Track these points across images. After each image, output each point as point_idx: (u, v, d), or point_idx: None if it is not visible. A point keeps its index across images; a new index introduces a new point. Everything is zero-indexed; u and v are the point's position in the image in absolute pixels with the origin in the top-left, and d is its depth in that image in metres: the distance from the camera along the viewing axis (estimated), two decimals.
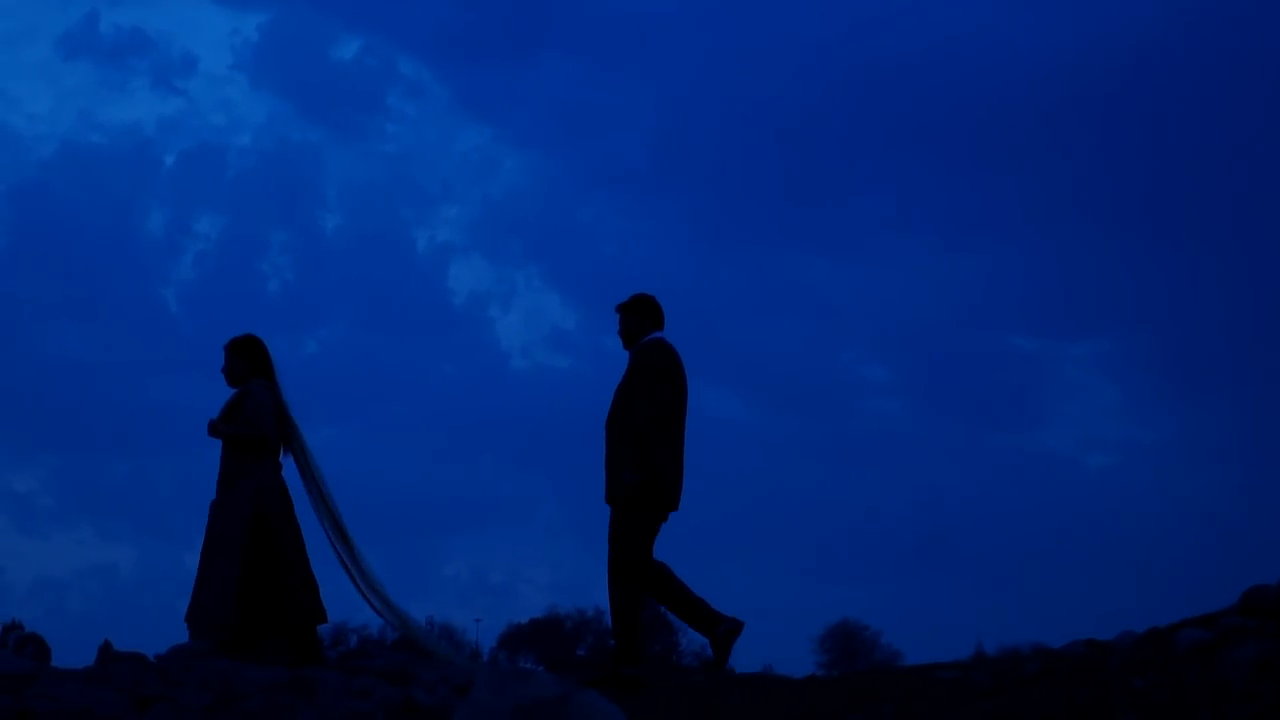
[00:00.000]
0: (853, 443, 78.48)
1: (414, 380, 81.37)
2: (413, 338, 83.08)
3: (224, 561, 6.41)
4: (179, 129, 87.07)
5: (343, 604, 6.89)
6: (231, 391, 6.84)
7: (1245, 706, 3.25)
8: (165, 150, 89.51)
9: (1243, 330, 78.74)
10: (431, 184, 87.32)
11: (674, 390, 6.42)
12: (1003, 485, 77.19)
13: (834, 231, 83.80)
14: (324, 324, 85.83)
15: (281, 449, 6.81)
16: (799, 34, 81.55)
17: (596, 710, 3.14)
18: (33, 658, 6.29)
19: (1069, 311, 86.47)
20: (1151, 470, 77.89)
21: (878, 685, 4.69)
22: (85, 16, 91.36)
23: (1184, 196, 79.39)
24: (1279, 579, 4.24)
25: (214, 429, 6.69)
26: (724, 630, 6.20)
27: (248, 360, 6.85)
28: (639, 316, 6.62)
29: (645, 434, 6.26)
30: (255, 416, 6.63)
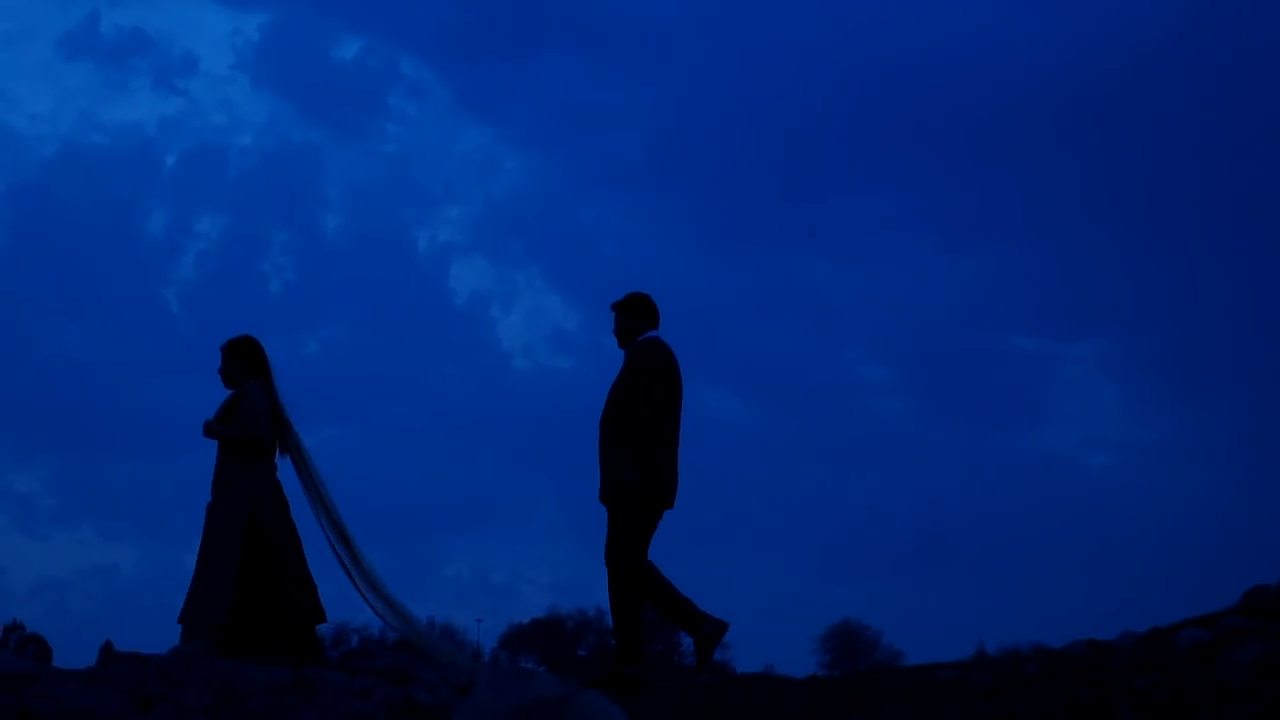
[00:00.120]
0: (853, 443, 78.55)
1: (415, 381, 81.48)
2: (414, 338, 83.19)
3: (221, 562, 6.41)
4: (180, 129, 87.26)
5: (344, 604, 6.90)
6: (228, 392, 6.84)
7: (1246, 706, 3.25)
8: (166, 150, 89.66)
9: (1244, 330, 78.81)
10: (433, 184, 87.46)
11: (669, 389, 6.42)
12: (1003, 485, 77.27)
13: (834, 231, 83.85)
14: (325, 324, 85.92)
15: (278, 450, 6.82)
16: (799, 34, 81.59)
17: (598, 710, 3.15)
18: (34, 658, 6.30)
19: (1070, 311, 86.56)
20: (1152, 470, 77.91)
21: (879, 685, 4.69)
22: (86, 17, 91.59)
23: (1185, 196, 79.39)
24: (1279, 579, 4.24)
25: (209, 429, 6.69)
26: (709, 630, 6.19)
27: (244, 361, 6.85)
28: (634, 315, 6.62)
29: (643, 433, 6.26)
30: (251, 418, 6.63)
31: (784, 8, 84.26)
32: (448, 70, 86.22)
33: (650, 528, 6.33)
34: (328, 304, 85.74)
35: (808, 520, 77.32)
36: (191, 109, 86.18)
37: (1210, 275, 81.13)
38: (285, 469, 6.82)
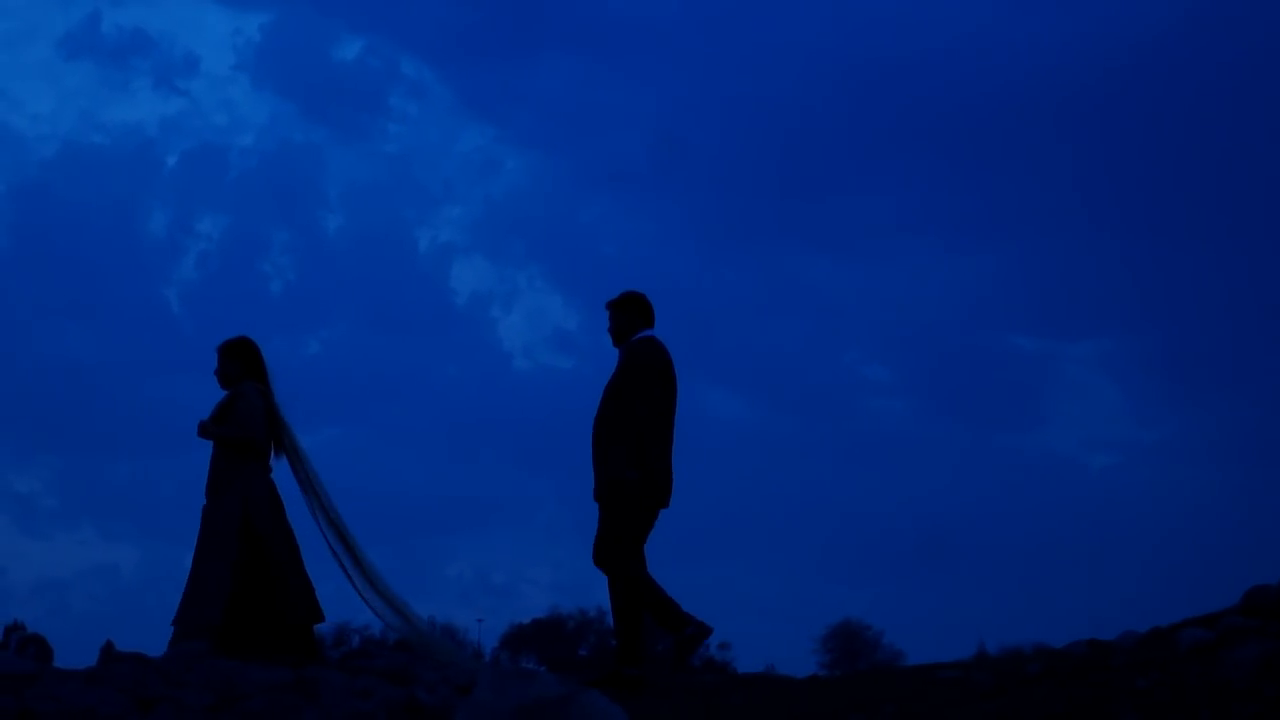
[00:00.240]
0: (855, 443, 78.60)
1: (416, 380, 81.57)
2: (415, 338, 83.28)
3: (216, 564, 6.41)
4: (181, 129, 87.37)
5: (345, 605, 6.89)
6: (224, 393, 6.84)
7: (1247, 706, 3.25)
8: (167, 150, 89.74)
9: (1245, 330, 78.84)
10: (433, 184, 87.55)
11: (665, 388, 6.41)
12: (1004, 485, 77.29)
13: (835, 231, 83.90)
14: (326, 324, 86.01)
15: (273, 452, 6.81)
16: (800, 34, 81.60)
17: (599, 710, 3.15)
18: (35, 658, 6.30)
19: (1071, 311, 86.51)
20: (1153, 470, 77.93)
21: (880, 685, 4.69)
22: (87, 17, 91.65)
23: (1186, 197, 79.37)
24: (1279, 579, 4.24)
25: (204, 430, 6.69)
26: (692, 633, 6.18)
27: (240, 363, 6.84)
28: (629, 314, 6.61)
29: (640, 432, 6.25)
30: (246, 420, 6.63)
31: (784, 8, 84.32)
32: (448, 70, 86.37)
33: (648, 527, 6.33)
34: (329, 304, 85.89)
35: (808, 520, 77.38)
36: (192, 109, 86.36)
37: (1210, 275, 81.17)
38: (282, 470, 6.83)
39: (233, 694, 4.18)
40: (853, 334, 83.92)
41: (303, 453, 6.82)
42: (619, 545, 6.25)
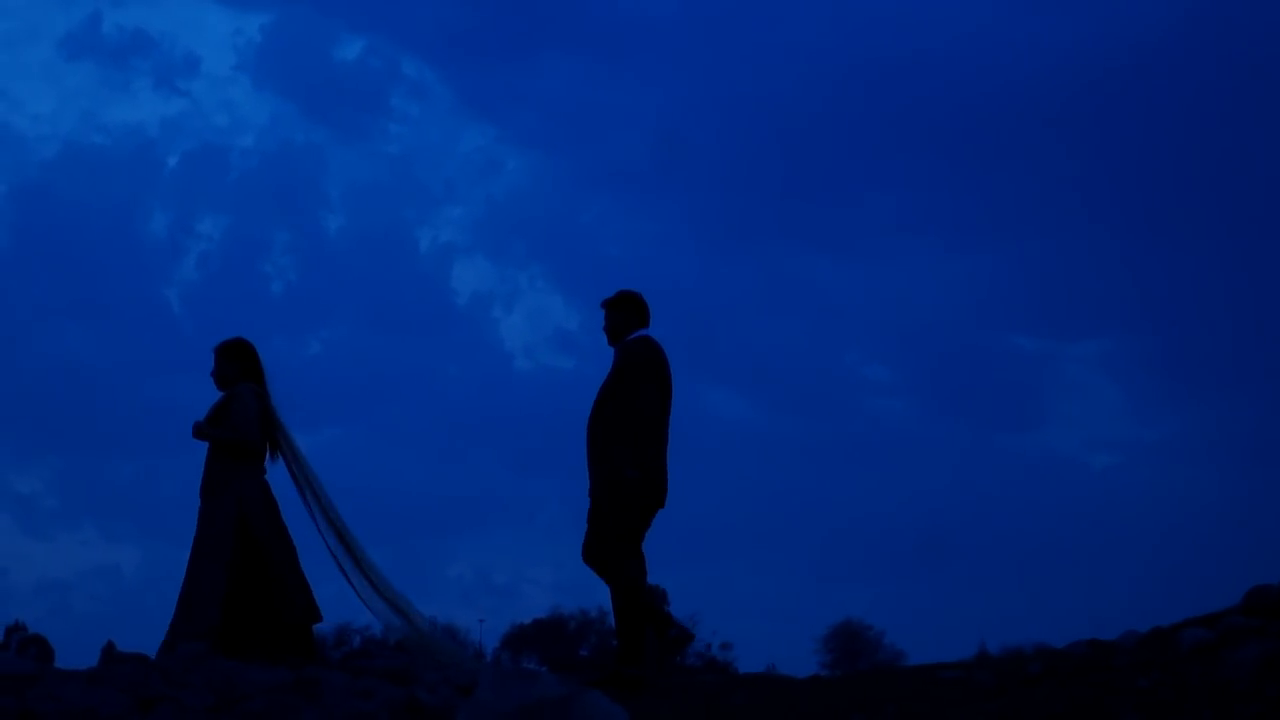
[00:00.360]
0: (855, 443, 78.52)
1: (417, 381, 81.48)
2: (416, 338, 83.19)
3: (210, 565, 6.40)
4: (182, 130, 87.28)
5: (346, 605, 6.89)
6: (220, 394, 6.84)
7: (1248, 706, 3.24)
8: (168, 151, 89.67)
9: (1245, 329, 78.79)
10: (434, 184, 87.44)
11: (661, 388, 6.40)
12: (1005, 485, 77.20)
13: (836, 231, 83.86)
14: (327, 325, 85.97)
15: (269, 454, 6.81)
16: (801, 34, 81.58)
17: (600, 710, 3.15)
18: (36, 659, 6.29)
19: (1072, 311, 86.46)
20: (1154, 470, 77.85)
21: (881, 685, 4.69)
22: (88, 17, 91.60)
23: (1186, 196, 79.33)
24: None
25: (198, 431, 6.68)
26: (676, 635, 6.17)
27: (237, 364, 6.83)
28: (624, 313, 6.60)
29: (638, 431, 6.24)
30: (240, 422, 6.62)
31: (784, 8, 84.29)
32: (450, 70, 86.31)
33: (645, 527, 6.32)
34: (330, 304, 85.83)
35: (809, 520, 77.34)
36: (193, 109, 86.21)
37: (1211, 275, 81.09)
38: (279, 471, 6.82)
39: (233, 694, 4.19)
40: (853, 334, 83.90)
41: (300, 454, 6.82)
42: (617, 544, 6.25)
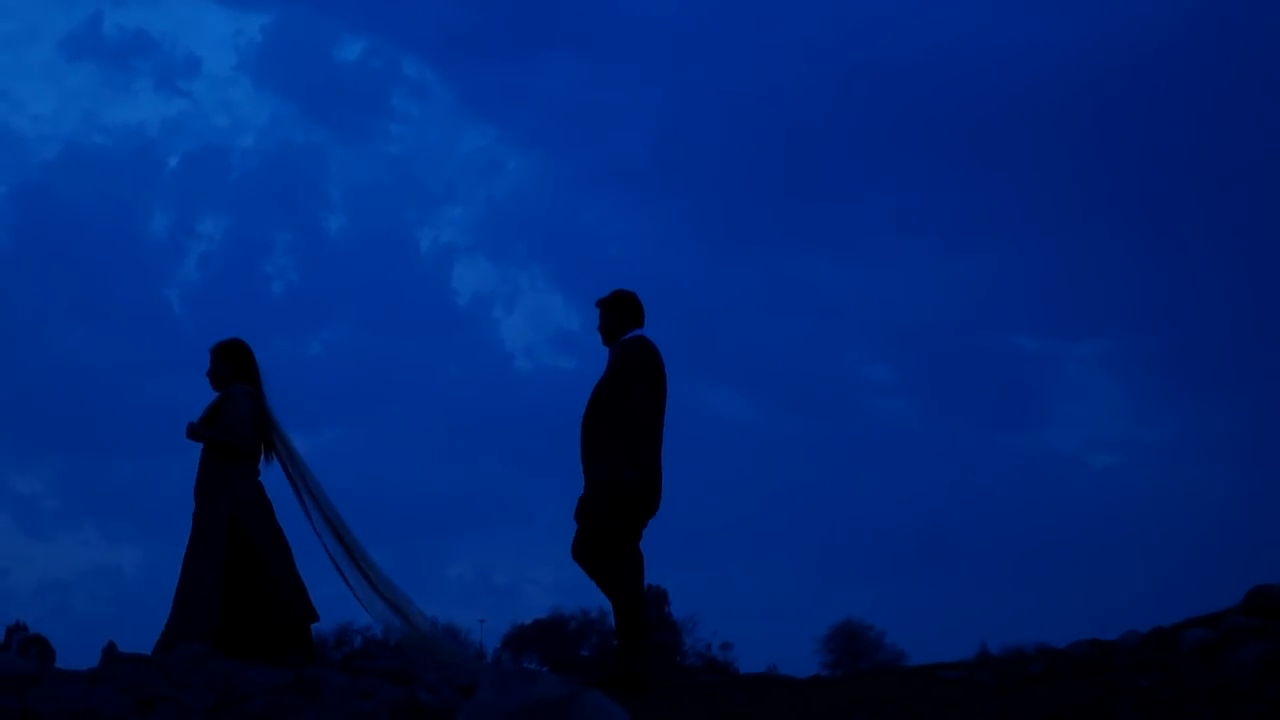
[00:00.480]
0: (857, 443, 78.61)
1: (418, 381, 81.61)
2: (417, 339, 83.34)
3: (205, 566, 6.39)
4: (182, 130, 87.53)
5: (347, 606, 6.89)
6: (215, 395, 6.83)
7: (1249, 706, 3.24)
8: (169, 151, 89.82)
9: (1246, 329, 78.79)
10: (435, 185, 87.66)
11: (656, 388, 6.39)
12: (1007, 485, 77.27)
13: (837, 231, 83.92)
14: (328, 325, 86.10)
15: (264, 455, 6.80)
16: (802, 34, 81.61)
17: (601, 711, 3.14)
18: (37, 659, 6.28)
19: (1073, 311, 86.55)
20: (1155, 470, 77.94)
21: (882, 685, 4.69)
22: (89, 18, 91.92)
23: (1187, 196, 79.36)
24: None
25: (192, 432, 6.67)
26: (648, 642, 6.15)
27: (232, 365, 6.83)
28: (619, 313, 6.58)
29: (634, 432, 6.22)
30: (234, 423, 6.62)
31: (784, 8, 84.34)
32: (450, 71, 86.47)
33: (642, 526, 6.31)
34: (330, 305, 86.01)
35: (810, 520, 77.39)
36: (194, 110, 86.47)
37: (1212, 275, 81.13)
38: (274, 472, 6.81)
39: (234, 695, 4.18)
40: (854, 334, 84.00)
41: (297, 455, 6.81)
42: (611, 546, 6.23)
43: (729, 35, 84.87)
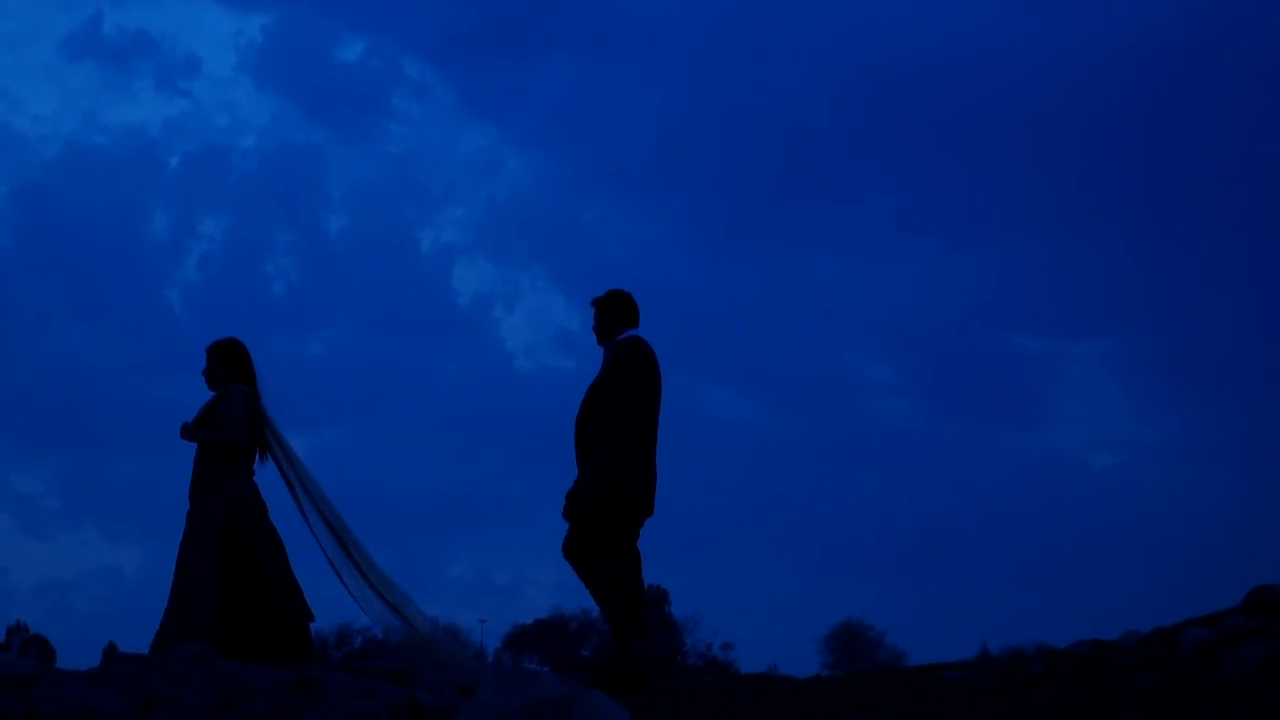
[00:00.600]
0: (857, 442, 78.61)
1: (418, 381, 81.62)
2: (417, 339, 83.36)
3: (200, 566, 6.38)
4: (183, 130, 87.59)
5: (347, 606, 6.88)
6: (210, 394, 6.83)
7: (1250, 706, 3.24)
8: (169, 152, 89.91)
9: (1247, 329, 78.79)
10: (436, 185, 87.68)
11: (652, 389, 6.38)
12: (1007, 485, 77.27)
13: (838, 231, 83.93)
14: (328, 325, 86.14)
15: (258, 455, 6.79)
16: (802, 34, 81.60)
17: (601, 711, 3.14)
18: (37, 659, 6.28)
19: (1073, 311, 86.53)
20: (1155, 470, 77.96)
21: (882, 685, 4.69)
22: (89, 18, 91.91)
23: (1188, 196, 79.34)
24: None
25: (186, 432, 6.67)
26: (635, 647, 6.14)
27: (228, 365, 6.82)
28: (614, 313, 6.58)
29: (629, 432, 6.21)
30: (228, 423, 6.61)
31: (785, 7, 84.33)
32: (451, 71, 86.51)
33: (639, 526, 6.31)
34: (331, 305, 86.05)
35: (811, 520, 77.38)
36: (194, 110, 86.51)
37: (1213, 275, 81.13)
38: (270, 473, 6.80)
39: (234, 695, 4.18)
40: (855, 334, 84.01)
41: (294, 456, 6.80)
42: (608, 544, 6.22)
43: (729, 35, 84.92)
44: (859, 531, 73.50)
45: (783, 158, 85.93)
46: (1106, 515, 73.77)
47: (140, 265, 79.92)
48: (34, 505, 72.09)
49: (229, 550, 6.44)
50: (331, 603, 6.82)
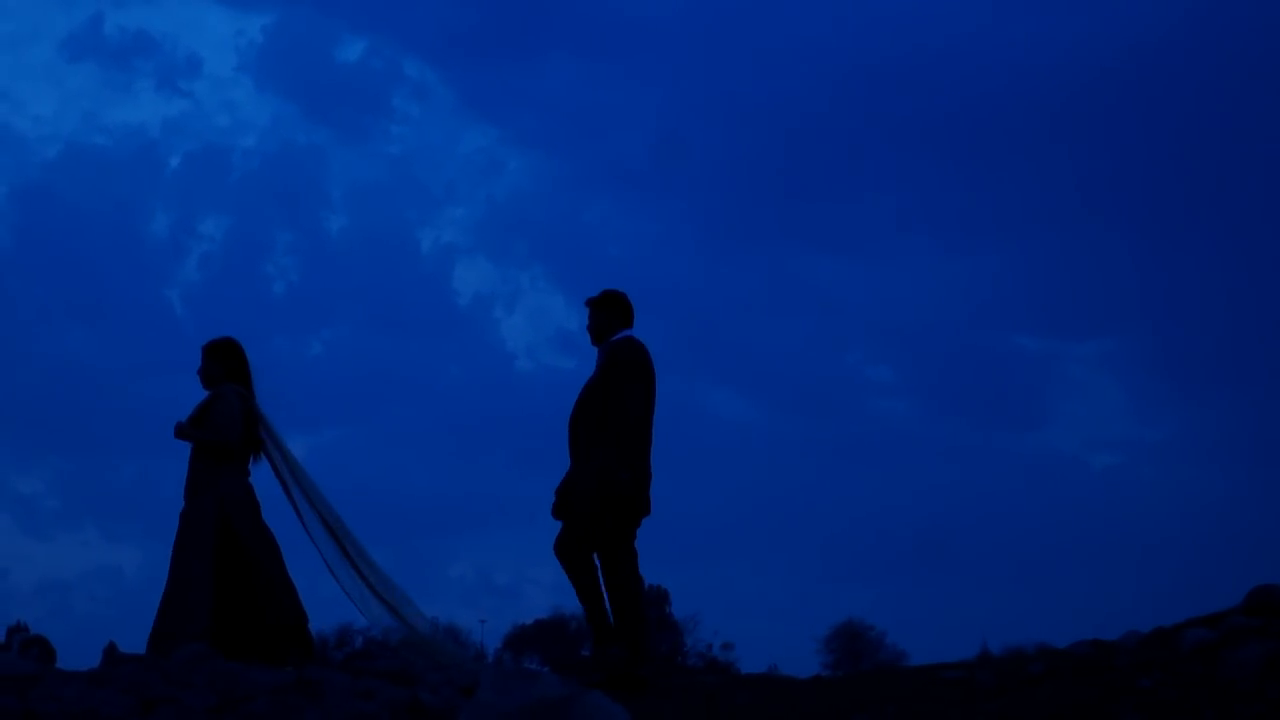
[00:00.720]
0: (858, 442, 78.61)
1: (419, 381, 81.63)
2: (417, 339, 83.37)
3: (195, 566, 6.37)
4: (183, 131, 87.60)
5: (347, 606, 6.87)
6: (205, 394, 6.82)
7: (1250, 706, 3.24)
8: (170, 152, 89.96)
9: (1247, 329, 78.79)
10: (436, 185, 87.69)
11: (647, 389, 6.38)
12: (1007, 485, 77.27)
13: (838, 231, 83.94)
14: (329, 325, 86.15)
15: (253, 455, 6.79)
16: (803, 34, 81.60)
17: (601, 711, 3.15)
18: (38, 659, 6.28)
19: (1074, 311, 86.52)
20: (1156, 470, 77.97)
21: (882, 685, 4.69)
22: (90, 18, 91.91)
23: (1188, 196, 79.34)
24: None
25: (180, 431, 6.66)
26: (616, 654, 6.14)
27: (222, 364, 6.81)
28: (609, 313, 6.58)
29: (622, 433, 6.20)
30: (223, 423, 6.60)
31: (785, 8, 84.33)
32: (451, 71, 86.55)
33: (636, 526, 6.30)
34: (331, 305, 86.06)
35: (811, 520, 77.38)
36: (195, 110, 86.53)
37: (1213, 275, 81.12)
38: (265, 473, 6.80)
39: (235, 695, 4.18)
40: (855, 334, 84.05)
41: (290, 456, 6.78)
42: (605, 545, 6.22)
43: (729, 35, 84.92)
44: (859, 532, 73.57)
45: (783, 158, 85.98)
46: (1106, 515, 73.83)
47: (140, 265, 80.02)
48: (34, 505, 72.16)
49: (223, 550, 6.43)
50: (332, 603, 6.82)
